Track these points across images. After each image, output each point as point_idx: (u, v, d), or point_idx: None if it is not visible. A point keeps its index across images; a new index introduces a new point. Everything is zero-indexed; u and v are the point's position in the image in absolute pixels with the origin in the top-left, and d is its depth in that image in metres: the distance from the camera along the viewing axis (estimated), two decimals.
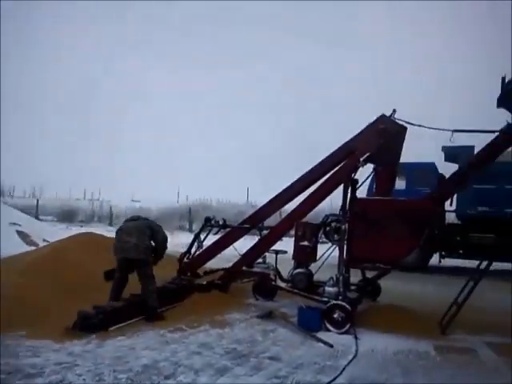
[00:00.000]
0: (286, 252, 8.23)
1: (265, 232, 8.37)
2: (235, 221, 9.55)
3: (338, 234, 7.46)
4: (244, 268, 8.15)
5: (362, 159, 7.39)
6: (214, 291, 8.06)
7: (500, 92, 7.41)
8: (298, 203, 7.99)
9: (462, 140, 7.86)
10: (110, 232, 19.32)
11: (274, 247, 8.18)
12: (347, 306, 6.65)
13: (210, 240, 8.85)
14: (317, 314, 6.76)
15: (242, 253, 8.23)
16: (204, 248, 8.64)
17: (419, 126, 7.38)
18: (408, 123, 7.37)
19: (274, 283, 7.92)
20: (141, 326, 6.44)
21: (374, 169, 7.80)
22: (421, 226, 6.96)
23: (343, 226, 7.34)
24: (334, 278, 7.19)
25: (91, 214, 33.91)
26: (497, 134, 6.99)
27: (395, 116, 7.38)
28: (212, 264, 8.87)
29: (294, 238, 7.80)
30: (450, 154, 14.82)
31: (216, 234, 9.00)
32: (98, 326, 6.03)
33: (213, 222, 8.85)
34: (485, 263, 7.01)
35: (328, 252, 7.72)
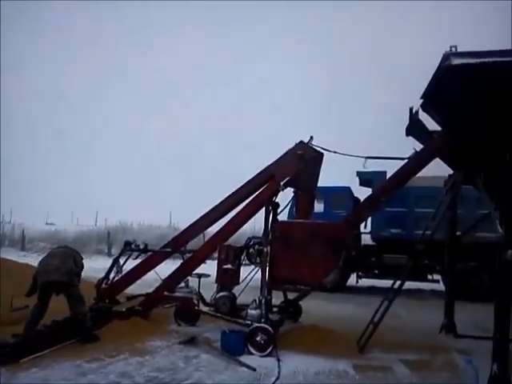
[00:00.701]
0: (209, 275, 8.20)
1: (187, 255, 8.29)
2: (157, 244, 9.38)
3: (261, 256, 7.57)
4: (166, 293, 8.00)
5: (282, 183, 7.59)
6: (134, 318, 7.82)
7: (408, 122, 7.96)
8: (220, 226, 8.02)
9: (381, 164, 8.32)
10: (21, 257, 18.21)
11: (196, 271, 8.12)
12: (269, 329, 6.73)
13: (130, 265, 8.63)
14: (240, 337, 6.77)
15: (163, 277, 8.09)
16: (123, 273, 8.41)
17: (334, 152, 7.74)
18: (324, 149, 7.70)
19: (196, 308, 7.84)
20: (56, 356, 6.13)
21: (294, 192, 8.03)
22: (338, 247, 7.22)
23: (265, 249, 7.48)
24: (257, 301, 7.26)
25: (1, 238, 31.81)
26: (406, 160, 7.48)
27: (312, 142, 7.70)
28: (132, 290, 8.63)
29: (217, 261, 7.81)
30: (364, 178, 15.55)
31: (136, 258, 8.79)
32: (8, 357, 5.68)
33: (133, 245, 8.64)
34: (398, 283, 7.39)
35: (251, 274, 7.80)
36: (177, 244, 8.25)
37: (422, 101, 6.56)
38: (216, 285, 7.88)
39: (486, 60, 4.94)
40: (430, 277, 14.97)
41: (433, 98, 6.05)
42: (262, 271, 7.41)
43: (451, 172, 8.43)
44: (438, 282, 15.30)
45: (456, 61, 5.03)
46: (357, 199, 15.69)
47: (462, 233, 8.73)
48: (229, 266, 7.69)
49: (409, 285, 15.75)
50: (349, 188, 15.41)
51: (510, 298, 5.56)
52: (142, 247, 8.54)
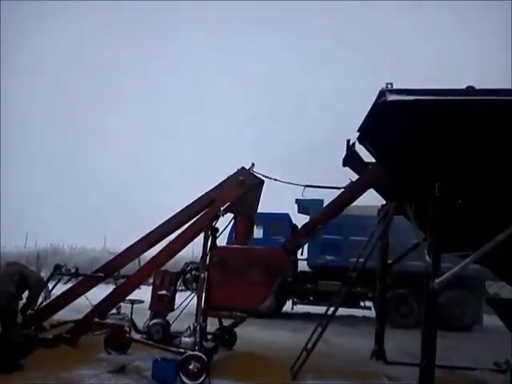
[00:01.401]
0: (142, 302, 7.97)
1: (121, 281, 8.04)
2: (89, 268, 9.04)
3: (197, 282, 7.48)
4: (96, 320, 7.69)
5: (222, 208, 7.60)
6: (62, 346, 7.44)
7: (345, 153, 8.24)
8: (157, 251, 7.87)
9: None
10: None
11: (130, 297, 7.89)
12: (203, 357, 6.61)
13: (59, 289, 8.24)
14: (172, 366, 6.60)
15: (94, 303, 7.79)
16: (52, 298, 8.03)
17: (275, 179, 7.87)
18: (265, 177, 7.81)
19: (128, 335, 7.58)
20: None
21: (234, 218, 8.04)
22: (275, 274, 7.27)
23: (202, 274, 7.40)
24: (191, 328, 7.14)
25: None
26: (342, 190, 7.72)
27: (254, 169, 7.80)
28: (61, 316, 8.22)
29: (151, 287, 7.63)
30: (302, 206, 15.84)
31: (67, 282, 8.42)
32: None
33: (63, 269, 8.27)
34: (332, 309, 7.51)
35: (186, 301, 7.67)
36: (110, 268, 7.98)
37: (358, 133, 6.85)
38: (149, 311, 7.68)
39: (420, 98, 5.21)
40: (362, 303, 15.35)
41: (368, 131, 6.31)
42: (198, 297, 7.31)
43: (384, 202, 8.79)
44: (369, 308, 15.71)
45: (391, 97, 5.27)
46: (295, 226, 15.93)
47: (392, 261, 9.02)
48: (164, 291, 7.52)
49: (342, 311, 16.11)
50: (287, 215, 15.62)
51: (435, 325, 5.81)
52: (72, 271, 8.19)
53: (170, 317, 7.73)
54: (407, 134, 5.59)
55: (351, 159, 8.18)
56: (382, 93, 5.35)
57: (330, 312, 7.62)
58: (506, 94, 5.14)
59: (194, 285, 7.64)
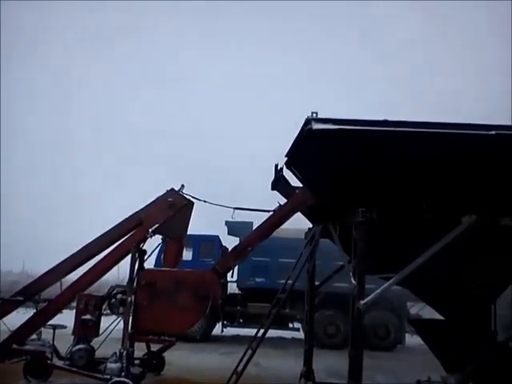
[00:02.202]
0: (65, 327, 7.65)
1: (42, 304, 7.68)
2: (6, 292, 8.54)
3: (124, 305, 7.31)
4: (14, 346, 7.29)
5: (150, 230, 7.52)
6: None
7: (273, 177, 8.44)
8: (81, 273, 7.63)
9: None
10: None
11: (51, 322, 7.55)
12: (130, 383, 6.44)
13: None
14: None
15: (13, 329, 7.39)
16: None
17: (204, 201, 7.91)
18: (194, 198, 7.83)
19: (49, 362, 7.24)
20: None
21: (163, 240, 7.97)
22: (205, 297, 7.26)
23: (129, 298, 7.24)
24: (117, 353, 6.94)
25: None
26: (271, 213, 7.88)
27: (183, 191, 7.81)
28: None
29: (75, 311, 7.37)
30: (232, 228, 15.94)
31: None
32: None
33: None
34: (261, 331, 7.57)
35: (112, 326, 7.46)
36: (30, 292, 7.62)
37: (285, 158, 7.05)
38: (73, 337, 7.39)
39: (343, 127, 5.45)
40: (291, 325, 15.56)
41: (294, 157, 6.50)
42: (124, 322, 7.14)
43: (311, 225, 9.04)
44: (298, 330, 15.94)
45: (316, 126, 5.48)
46: (225, 248, 15.97)
47: (320, 283, 9.23)
48: (88, 316, 7.29)
49: (271, 333, 16.21)
50: (217, 237, 15.64)
51: (362, 345, 6.00)
52: None
53: (95, 342, 7.48)
54: (330, 161, 5.81)
55: (279, 183, 8.40)
56: (308, 121, 5.55)
57: (259, 334, 7.65)
58: (412, 126, 5.50)
59: (121, 309, 7.47)
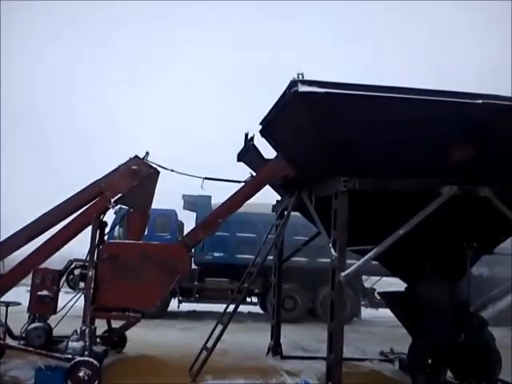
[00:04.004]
0: (19, 304, 7.06)
1: None
2: None
3: (85, 281, 6.84)
4: None
5: (113, 200, 7.02)
6: None
7: (242, 147, 8.09)
8: (37, 245, 7.02)
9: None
10: None
11: (3, 298, 6.93)
12: (95, 362, 6.01)
13: None
14: (59, 374, 5.92)
15: None
16: None
17: (171, 170, 7.46)
18: (160, 167, 7.35)
19: (1, 342, 6.66)
20: None
21: (127, 211, 7.48)
22: (174, 271, 6.89)
23: (90, 273, 6.76)
24: (79, 331, 6.48)
25: None
26: (242, 184, 7.56)
27: (148, 158, 7.31)
28: None
29: (30, 287, 6.80)
30: (189, 202, 15.48)
31: None
32: None
33: None
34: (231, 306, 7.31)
35: (71, 302, 6.96)
36: None
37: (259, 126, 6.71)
38: (28, 315, 6.84)
39: (331, 91, 5.17)
40: (248, 299, 15.41)
41: (273, 124, 6.18)
42: (85, 298, 6.67)
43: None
44: (256, 304, 15.84)
45: (302, 88, 5.17)
46: (181, 223, 15.52)
47: (286, 257, 9.04)
48: (45, 292, 6.74)
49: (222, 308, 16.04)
50: (174, 211, 15.11)
51: (343, 318, 5.86)
52: None
53: (52, 320, 6.95)
54: (315, 127, 5.54)
55: (248, 154, 8.06)
56: (294, 83, 5.22)
57: (228, 309, 7.41)
58: (408, 92, 5.31)
59: (81, 284, 6.98)
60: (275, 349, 8.45)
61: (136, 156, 7.19)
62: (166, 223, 14.50)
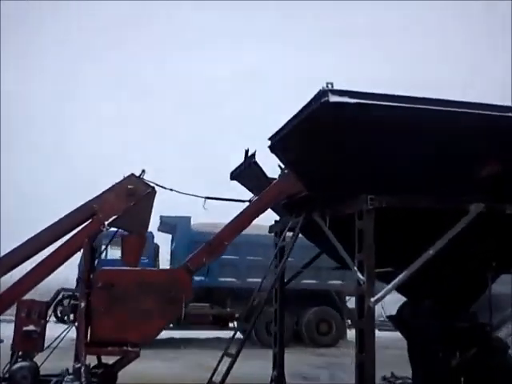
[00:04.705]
0: (1, 341, 6.25)
1: None
2: None
3: (75, 313, 6.15)
4: None
5: (106, 223, 6.40)
6: None
7: (241, 165, 7.62)
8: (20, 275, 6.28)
9: None
10: None
11: None
12: None
13: None
14: None
15: None
16: None
17: (171, 190, 6.90)
18: (158, 186, 6.78)
19: None
20: None
21: (121, 235, 6.82)
22: (176, 299, 6.29)
23: (82, 303, 6.07)
24: (72, 370, 5.78)
25: None
26: (247, 203, 7.08)
27: (145, 177, 6.74)
28: None
29: (14, 322, 6.04)
30: (167, 223, 14.85)
31: None
32: None
33: None
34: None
35: (59, 336, 6.24)
36: None
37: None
38: (11, 353, 6.05)
39: (365, 101, 4.79)
40: (231, 324, 14.82)
41: (292, 136, 5.74)
42: (78, 331, 5.97)
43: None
44: (234, 330, 15.23)
45: (334, 98, 4.77)
46: (156, 246, 14.85)
47: (288, 280, 8.52)
48: (31, 327, 6.00)
49: (206, 334, 15.35)
50: (151, 233, 14.39)
51: (374, 347, 5.40)
52: None
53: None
54: (342, 140, 5.13)
55: (248, 172, 7.59)
56: (324, 92, 4.81)
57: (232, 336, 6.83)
58: (438, 104, 5.00)
59: (71, 316, 6.29)
60: (279, 379, 7.87)
61: (132, 174, 6.61)
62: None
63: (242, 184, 8.09)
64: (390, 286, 5.46)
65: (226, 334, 14.98)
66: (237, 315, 14.42)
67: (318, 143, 5.43)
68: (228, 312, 13.99)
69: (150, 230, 14.43)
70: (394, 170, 5.30)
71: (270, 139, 6.18)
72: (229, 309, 13.93)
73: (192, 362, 10.50)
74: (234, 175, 8.02)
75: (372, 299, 5.29)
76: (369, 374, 5.32)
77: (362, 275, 5.37)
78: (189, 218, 13.88)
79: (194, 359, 10.87)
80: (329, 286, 14.28)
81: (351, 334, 15.54)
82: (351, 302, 15.84)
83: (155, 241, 15.01)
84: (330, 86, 4.85)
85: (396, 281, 5.44)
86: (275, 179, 7.16)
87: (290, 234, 7.92)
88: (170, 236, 16.08)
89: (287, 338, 14.46)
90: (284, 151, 6.19)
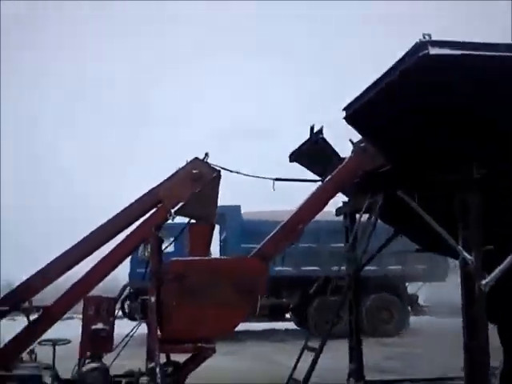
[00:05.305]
0: (69, 342, 5.84)
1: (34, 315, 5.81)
2: None
3: (144, 308, 5.70)
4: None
5: (173, 210, 5.91)
6: None
7: (305, 143, 7.03)
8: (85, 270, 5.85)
9: None
10: None
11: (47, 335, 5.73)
12: None
13: None
14: None
15: None
16: None
17: (237, 172, 6.35)
18: (224, 169, 6.24)
19: None
20: None
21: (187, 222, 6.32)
22: (251, 291, 5.75)
23: (152, 298, 5.61)
24: (146, 370, 5.33)
25: None
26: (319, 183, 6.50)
27: (208, 160, 6.22)
28: None
29: (82, 320, 5.63)
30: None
31: None
32: None
33: None
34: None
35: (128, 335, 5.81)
36: (17, 299, 5.75)
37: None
38: (79, 353, 5.64)
39: (471, 53, 4.12)
40: (288, 315, 14.34)
41: (376, 102, 5.08)
42: (150, 328, 5.52)
43: None
44: (291, 320, 14.75)
45: (434, 50, 4.10)
46: None
47: (362, 264, 7.88)
48: (100, 325, 5.57)
49: (260, 326, 14.84)
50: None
51: (487, 335, 4.74)
52: None
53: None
54: (444, 98, 4.46)
55: (313, 150, 7.00)
56: (423, 44, 4.14)
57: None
58: None
59: (140, 313, 5.84)
60: (358, 373, 7.29)
61: (196, 158, 6.09)
62: None
63: (304, 165, 7.50)
64: (501, 266, 4.76)
65: (281, 325, 14.54)
66: (291, 306, 13.89)
67: (412, 105, 4.76)
68: (284, 302, 13.46)
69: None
70: (504, 134, 4.63)
71: (345, 109, 5.55)
72: (284, 299, 13.41)
73: (254, 355, 10.02)
74: (295, 155, 7.42)
75: (483, 281, 4.63)
76: (482, 363, 4.69)
77: (469, 254, 4.71)
78: (239, 207, 13.35)
79: (255, 352, 10.39)
80: (388, 272, 13.55)
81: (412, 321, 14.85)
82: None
83: None
84: (427, 37, 4.19)
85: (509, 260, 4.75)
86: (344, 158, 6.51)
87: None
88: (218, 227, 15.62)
89: (346, 328, 13.92)
90: (366, 119, 5.53)
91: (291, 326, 15.26)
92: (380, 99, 4.99)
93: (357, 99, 5.32)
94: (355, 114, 5.49)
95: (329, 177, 6.27)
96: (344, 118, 5.66)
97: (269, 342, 12.47)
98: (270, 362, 9.32)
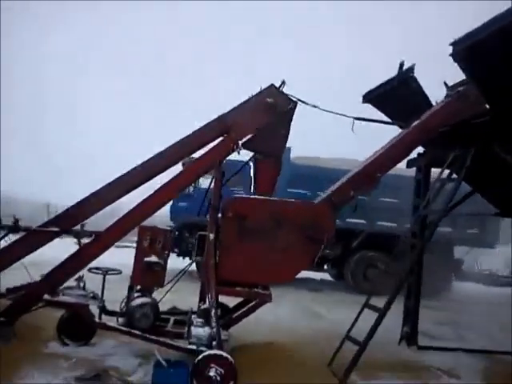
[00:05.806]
0: (119, 272, 5.49)
1: (85, 239, 5.45)
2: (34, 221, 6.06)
3: (203, 245, 5.29)
4: (46, 296, 5.14)
5: (240, 142, 5.34)
6: None
7: (392, 80, 6.26)
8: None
9: None
10: None
11: (96, 263, 5.36)
12: (229, 358, 4.42)
13: None
14: (183, 374, 4.35)
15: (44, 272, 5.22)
16: None
17: (314, 106, 5.67)
18: (300, 101, 5.57)
19: (97, 320, 5.15)
20: None
21: (254, 157, 5.76)
22: (317, 237, 5.24)
23: (211, 235, 5.16)
24: (198, 312, 4.94)
25: None
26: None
27: (284, 89, 5.55)
28: None
29: (135, 250, 5.24)
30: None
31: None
32: None
33: None
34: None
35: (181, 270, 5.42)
36: (70, 220, 5.36)
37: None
38: (129, 286, 5.30)
39: None
40: (326, 266, 13.94)
41: (495, 39, 4.28)
42: (207, 267, 5.09)
43: None
44: (326, 271, 14.38)
45: None
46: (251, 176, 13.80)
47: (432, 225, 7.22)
48: (154, 258, 5.17)
49: (303, 274, 14.47)
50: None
51: None
52: (10, 224, 5.44)
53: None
54: None
55: (398, 90, 6.22)
56: None
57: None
58: None
59: (196, 250, 5.44)
60: (411, 337, 6.82)
61: (272, 85, 5.42)
62: (240, 176, 12.73)
63: (380, 108, 6.75)
64: None
65: (316, 275, 14.20)
66: (330, 257, 13.41)
67: None
68: (325, 253, 13.00)
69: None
70: None
71: (452, 44, 4.74)
72: (327, 250, 12.95)
73: (294, 304, 9.69)
74: (373, 95, 6.67)
75: None
76: None
77: None
78: (289, 149, 12.57)
79: (294, 301, 10.06)
80: (436, 233, 12.81)
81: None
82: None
83: None
84: None
85: None
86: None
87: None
88: None
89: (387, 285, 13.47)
90: (476, 58, 4.73)
91: (326, 276, 14.89)
92: (496, 39, 4.21)
93: (468, 35, 4.53)
94: (466, 50, 4.69)
95: (417, 121, 5.55)
96: (451, 55, 4.86)
97: (306, 291, 12.14)
98: (311, 313, 8.96)
